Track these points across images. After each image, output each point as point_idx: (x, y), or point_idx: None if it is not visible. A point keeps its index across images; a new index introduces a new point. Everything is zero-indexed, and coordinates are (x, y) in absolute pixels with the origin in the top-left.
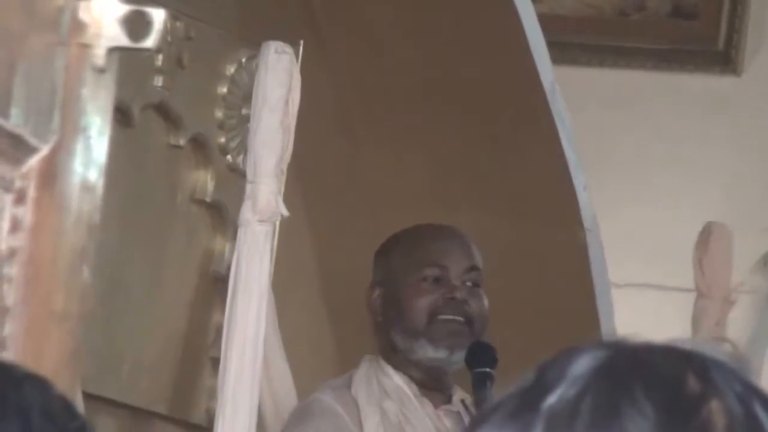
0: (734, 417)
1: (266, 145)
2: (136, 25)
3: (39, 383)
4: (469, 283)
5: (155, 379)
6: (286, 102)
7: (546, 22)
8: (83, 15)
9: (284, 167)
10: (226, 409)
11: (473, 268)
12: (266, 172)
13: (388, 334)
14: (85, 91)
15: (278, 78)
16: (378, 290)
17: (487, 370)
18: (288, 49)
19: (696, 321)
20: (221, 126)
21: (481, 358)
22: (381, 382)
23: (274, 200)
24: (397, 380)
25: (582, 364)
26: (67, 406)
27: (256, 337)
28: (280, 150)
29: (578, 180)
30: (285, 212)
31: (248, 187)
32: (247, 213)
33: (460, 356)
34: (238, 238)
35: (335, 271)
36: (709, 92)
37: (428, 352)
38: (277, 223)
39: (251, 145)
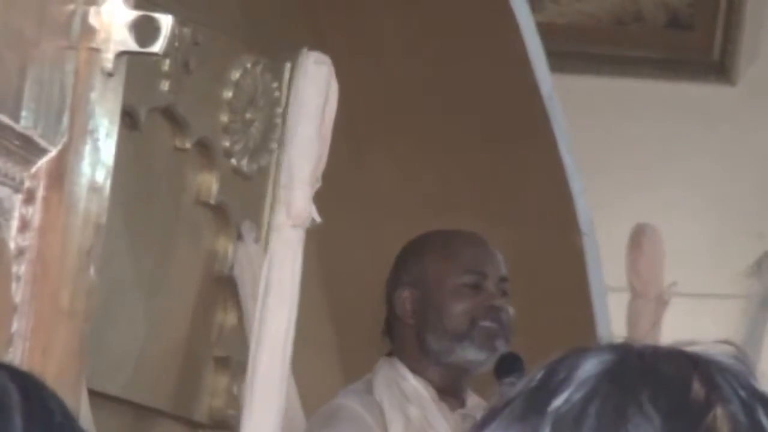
0: (738, 423)
1: (302, 152)
2: (145, 30)
3: (52, 390)
4: (501, 292)
5: (158, 377)
6: (323, 111)
7: (545, 31)
8: (93, 20)
9: (319, 175)
10: (253, 413)
11: (506, 278)
12: (301, 178)
13: (421, 336)
14: (94, 95)
15: (316, 87)
16: (408, 292)
17: (515, 380)
18: (326, 59)
19: (632, 322)
20: (226, 130)
21: (509, 368)
22: (400, 385)
23: (308, 206)
24: (415, 384)
25: (589, 367)
26: (73, 414)
27: (286, 340)
28: (315, 158)
29: (575, 186)
30: (318, 218)
31: (282, 193)
32: (280, 217)
33: (494, 358)
34: (270, 243)
35: (339, 277)
36: (705, 101)
37: (469, 354)
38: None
39: (287, 152)
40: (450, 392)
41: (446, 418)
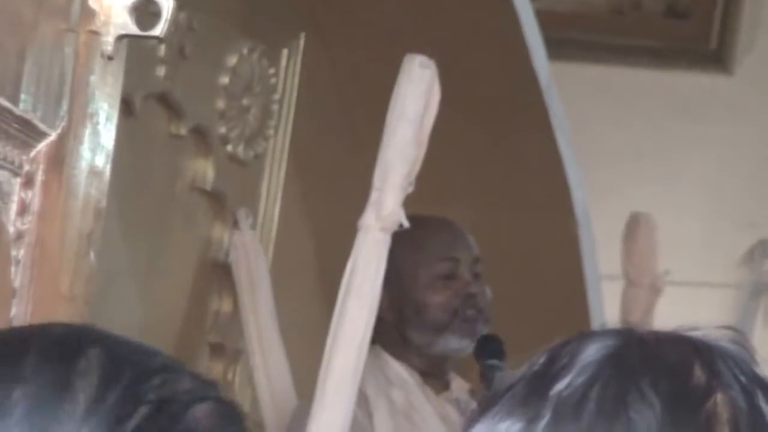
0: (738, 409)
1: (399, 156)
2: (144, 13)
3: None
4: (475, 275)
5: None
6: (423, 116)
7: (543, 18)
8: (93, 3)
9: (412, 179)
10: (324, 410)
11: (477, 259)
12: (395, 182)
13: (401, 331)
14: (94, 78)
15: (419, 92)
16: (383, 289)
17: (497, 362)
18: (431, 63)
19: (626, 310)
20: (222, 116)
21: (489, 350)
22: (384, 371)
23: (398, 210)
24: (399, 369)
25: (591, 352)
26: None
27: (363, 339)
28: (411, 163)
29: (571, 174)
30: (406, 223)
31: (374, 194)
32: (369, 219)
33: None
34: (356, 242)
35: (334, 264)
36: (701, 90)
37: (452, 344)
38: (276, 213)
39: (383, 153)
40: (434, 376)
41: (430, 401)
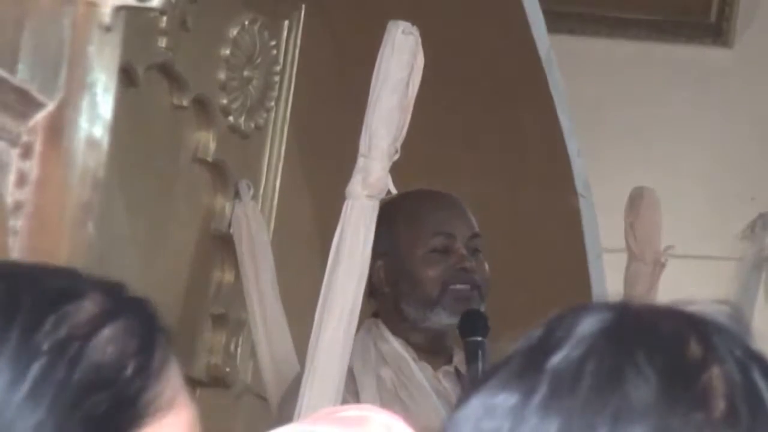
0: (733, 383)
1: (383, 123)
2: None
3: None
4: (473, 250)
5: None
6: (407, 83)
7: None
8: None
9: (398, 146)
10: (315, 377)
11: (476, 234)
12: (381, 149)
13: (396, 304)
14: (92, 49)
15: (403, 58)
16: (381, 261)
17: (479, 339)
18: (415, 30)
19: (630, 284)
20: (223, 87)
21: (473, 326)
22: (379, 347)
23: (385, 177)
24: (395, 345)
25: (587, 325)
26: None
27: (353, 308)
28: (396, 130)
29: (572, 147)
30: (394, 190)
31: (360, 161)
32: (356, 186)
33: None
34: (344, 210)
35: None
36: (701, 63)
37: (443, 319)
38: (278, 184)
39: (368, 121)
40: (432, 352)
41: (427, 377)
